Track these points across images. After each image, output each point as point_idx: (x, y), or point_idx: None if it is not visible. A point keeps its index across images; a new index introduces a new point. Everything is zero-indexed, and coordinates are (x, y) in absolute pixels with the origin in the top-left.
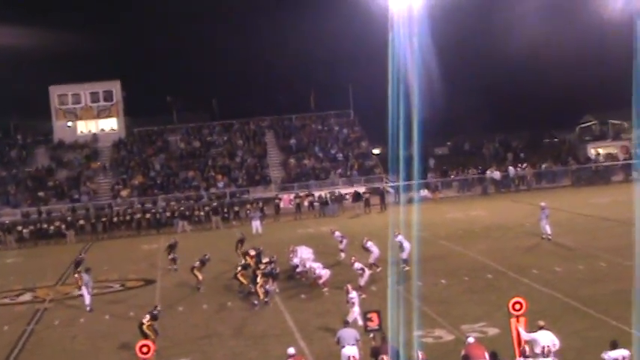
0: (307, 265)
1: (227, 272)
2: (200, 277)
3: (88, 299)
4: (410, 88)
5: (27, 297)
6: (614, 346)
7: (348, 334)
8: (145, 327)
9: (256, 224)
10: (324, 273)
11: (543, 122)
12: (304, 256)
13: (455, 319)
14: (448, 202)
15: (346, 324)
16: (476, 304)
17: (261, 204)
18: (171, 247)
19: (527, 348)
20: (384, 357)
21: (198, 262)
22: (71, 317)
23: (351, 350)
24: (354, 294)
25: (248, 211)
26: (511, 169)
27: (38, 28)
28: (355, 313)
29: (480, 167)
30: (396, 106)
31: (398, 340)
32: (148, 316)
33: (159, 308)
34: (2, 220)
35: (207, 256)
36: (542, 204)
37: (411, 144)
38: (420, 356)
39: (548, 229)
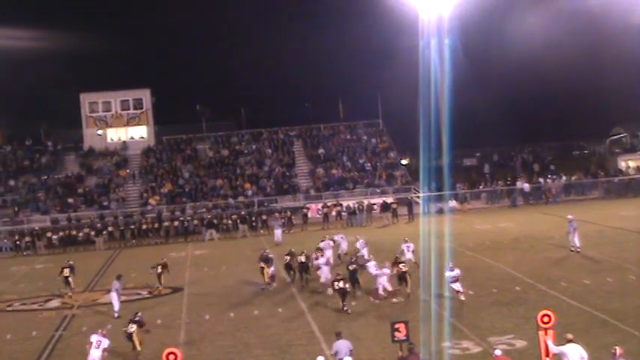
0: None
1: (252, 280)
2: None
3: (117, 306)
4: (439, 98)
5: (55, 303)
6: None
7: (344, 345)
8: (134, 335)
9: (278, 233)
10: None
11: (573, 134)
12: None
13: (482, 331)
14: (476, 214)
15: (339, 335)
16: (504, 316)
17: (288, 213)
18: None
19: None
20: None
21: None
22: (99, 323)
23: None
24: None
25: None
26: (542, 180)
27: (70, 35)
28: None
29: (509, 179)
30: (426, 117)
31: (426, 351)
32: (134, 326)
33: (139, 314)
34: (32, 226)
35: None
36: (570, 216)
37: (441, 154)
38: None
39: (577, 242)
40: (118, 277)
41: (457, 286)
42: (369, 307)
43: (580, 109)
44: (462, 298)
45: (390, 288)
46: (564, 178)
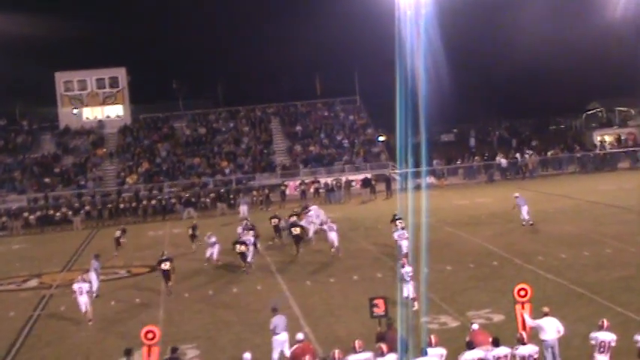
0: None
1: (231, 258)
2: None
3: (95, 285)
4: (416, 74)
5: (33, 283)
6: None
7: (281, 320)
8: (170, 272)
9: (244, 209)
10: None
11: (549, 109)
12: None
13: (460, 306)
14: (454, 189)
15: (275, 311)
16: (481, 291)
17: (266, 190)
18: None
19: (524, 335)
20: (382, 345)
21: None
22: (77, 303)
23: (283, 336)
24: (409, 268)
25: (254, 198)
26: (519, 155)
27: (43, 14)
28: (409, 290)
29: (487, 154)
30: (402, 93)
31: (404, 327)
32: (167, 263)
33: (165, 252)
34: (9, 206)
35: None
36: (516, 194)
37: (418, 131)
38: (433, 340)
39: (525, 216)
40: (96, 257)
41: (410, 289)
42: (348, 285)
43: (556, 84)
44: (415, 306)
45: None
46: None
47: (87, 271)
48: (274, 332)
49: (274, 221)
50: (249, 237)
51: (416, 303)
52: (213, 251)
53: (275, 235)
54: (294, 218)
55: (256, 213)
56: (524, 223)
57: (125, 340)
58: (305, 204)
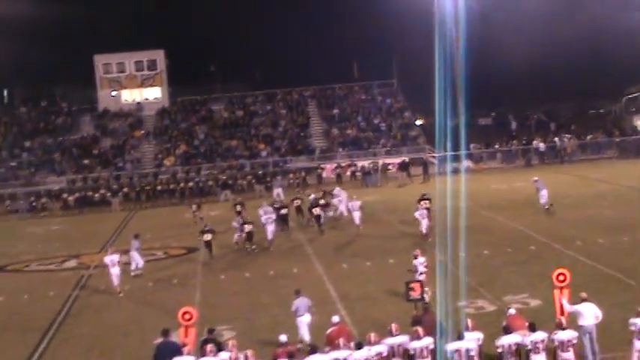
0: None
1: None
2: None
3: (140, 263)
4: (455, 57)
5: (72, 263)
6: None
7: (303, 302)
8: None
9: (278, 191)
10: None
11: (589, 93)
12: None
13: (497, 291)
14: (492, 174)
15: (298, 294)
16: (518, 276)
17: (303, 173)
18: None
19: (563, 320)
20: (418, 328)
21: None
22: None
23: (306, 318)
24: (422, 259)
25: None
26: (557, 140)
27: None
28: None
29: (525, 138)
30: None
31: (442, 310)
32: (209, 234)
33: (207, 224)
34: (48, 187)
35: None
36: (535, 178)
37: (457, 114)
38: (470, 324)
39: (542, 200)
40: (136, 236)
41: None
42: (384, 268)
43: (596, 68)
44: (427, 298)
45: (425, 231)
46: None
47: (127, 251)
48: (296, 314)
49: (297, 202)
50: (272, 216)
51: (426, 295)
52: (241, 234)
53: (297, 215)
54: (313, 197)
55: (293, 195)
56: (543, 206)
57: (162, 321)
58: (323, 190)
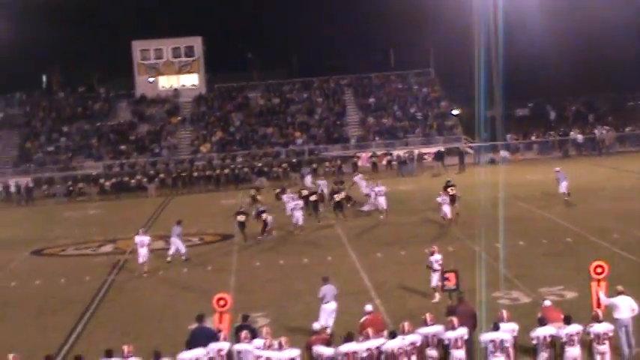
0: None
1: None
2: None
3: (172, 250)
4: (492, 48)
5: (108, 248)
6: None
7: (330, 289)
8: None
9: (308, 179)
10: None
11: (628, 84)
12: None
13: (532, 282)
14: (528, 165)
15: (326, 281)
16: (554, 267)
17: (338, 161)
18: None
19: (600, 313)
20: (453, 318)
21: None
22: (151, 269)
23: (331, 305)
24: (438, 256)
25: (326, 169)
26: (596, 131)
27: None
28: (434, 279)
29: (562, 130)
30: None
31: (476, 301)
32: (243, 216)
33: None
34: (85, 172)
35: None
36: (557, 168)
37: (493, 105)
38: (505, 315)
39: (562, 189)
40: (179, 223)
41: (435, 279)
42: (419, 257)
43: (636, 59)
44: (436, 298)
45: (449, 215)
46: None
47: (164, 237)
48: (322, 301)
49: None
50: (299, 202)
51: (437, 294)
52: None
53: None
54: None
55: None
56: (563, 196)
57: (197, 306)
58: (340, 179)
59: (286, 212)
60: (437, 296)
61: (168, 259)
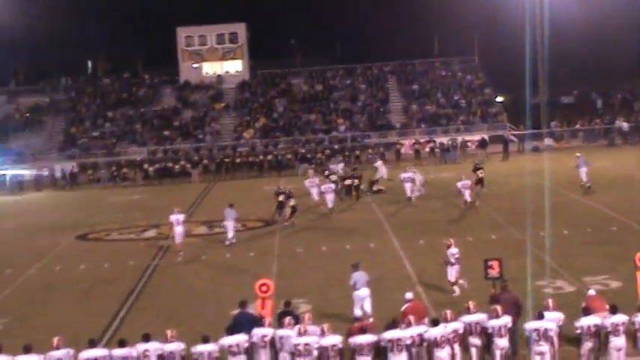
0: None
1: (344, 215)
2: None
3: (230, 234)
4: (537, 35)
5: (151, 233)
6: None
7: (361, 276)
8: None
9: (339, 166)
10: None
11: None
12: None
13: (577, 271)
14: (573, 152)
15: (356, 267)
16: (599, 256)
17: (381, 148)
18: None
19: None
20: (497, 307)
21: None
22: (193, 254)
23: (364, 292)
24: (455, 250)
25: (369, 155)
26: None
27: None
28: (451, 273)
29: (607, 117)
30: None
31: (520, 290)
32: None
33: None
34: (130, 157)
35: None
36: (578, 154)
37: (538, 92)
38: (551, 304)
39: (584, 177)
40: (231, 206)
41: (452, 273)
42: (462, 246)
43: None
44: (456, 292)
45: (469, 199)
46: None
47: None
48: (354, 288)
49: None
50: (331, 185)
51: (456, 288)
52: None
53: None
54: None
55: (370, 170)
56: (582, 184)
57: (240, 292)
58: (355, 167)
59: (312, 197)
60: (456, 290)
61: (227, 242)
